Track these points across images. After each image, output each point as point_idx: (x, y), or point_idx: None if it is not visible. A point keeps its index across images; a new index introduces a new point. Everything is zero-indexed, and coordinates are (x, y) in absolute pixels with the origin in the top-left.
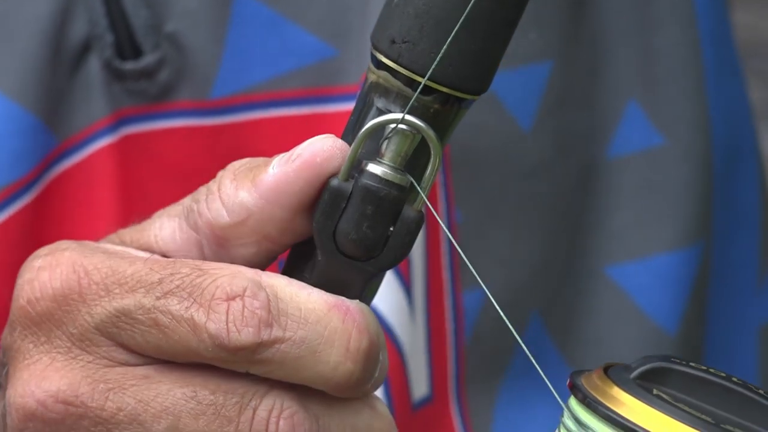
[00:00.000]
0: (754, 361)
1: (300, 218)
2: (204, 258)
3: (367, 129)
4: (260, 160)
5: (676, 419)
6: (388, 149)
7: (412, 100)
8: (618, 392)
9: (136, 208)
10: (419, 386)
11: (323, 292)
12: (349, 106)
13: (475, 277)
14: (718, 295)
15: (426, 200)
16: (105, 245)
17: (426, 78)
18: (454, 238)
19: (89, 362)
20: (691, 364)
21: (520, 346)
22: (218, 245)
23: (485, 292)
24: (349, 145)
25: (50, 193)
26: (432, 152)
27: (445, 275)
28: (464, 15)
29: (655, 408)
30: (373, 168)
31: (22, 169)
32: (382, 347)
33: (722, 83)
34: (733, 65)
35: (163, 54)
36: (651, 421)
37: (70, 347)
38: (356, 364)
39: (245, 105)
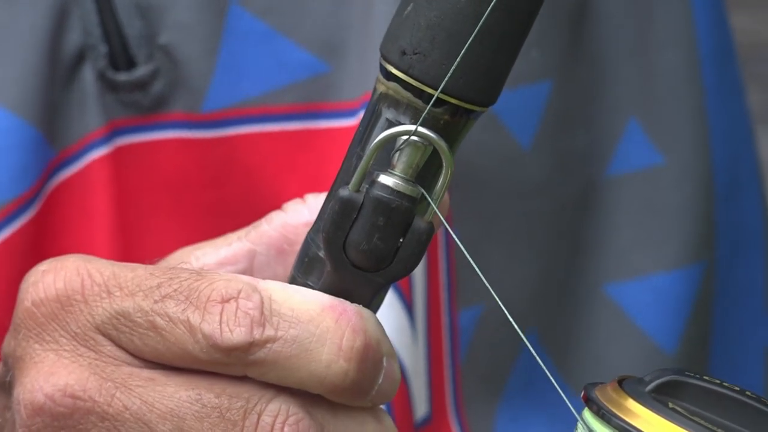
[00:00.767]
0: (761, 383)
1: None
2: (254, 268)
3: (379, 140)
4: None
5: None
6: (400, 161)
7: (425, 113)
8: (633, 405)
9: (130, 219)
10: (420, 406)
11: (321, 293)
12: (341, 122)
13: (471, 296)
14: (723, 316)
15: (437, 211)
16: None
17: (439, 90)
18: (450, 256)
19: (95, 360)
20: (705, 377)
21: (516, 366)
22: (279, 251)
23: (481, 310)
24: (359, 156)
25: (50, 205)
26: (444, 164)
27: (443, 294)
28: (478, 27)
29: (670, 421)
30: (385, 179)
31: (26, 183)
32: (387, 354)
33: (723, 103)
34: (734, 84)
35: (156, 66)
36: None
37: (76, 346)
38: (349, 363)
39: (237, 119)
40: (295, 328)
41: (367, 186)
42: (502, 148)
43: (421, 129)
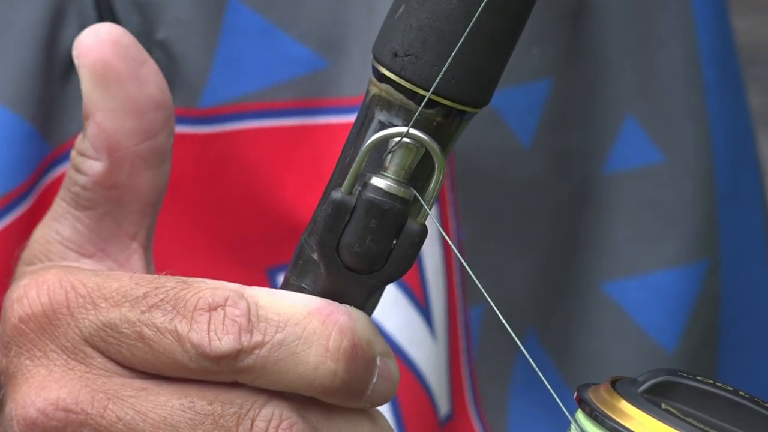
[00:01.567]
0: None
1: (149, 114)
2: (120, 221)
3: (371, 142)
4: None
5: None
6: (392, 162)
7: (417, 114)
8: (626, 406)
9: None
10: (443, 404)
11: (308, 297)
12: (339, 118)
13: (477, 294)
14: (731, 317)
15: (430, 213)
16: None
17: (431, 92)
18: (462, 254)
19: (86, 372)
20: (698, 378)
21: (517, 364)
22: (117, 200)
23: (484, 308)
24: (351, 158)
25: (44, 200)
26: (436, 166)
27: (458, 292)
28: (468, 28)
29: (663, 422)
30: (377, 181)
31: (19, 177)
32: (381, 354)
33: (723, 102)
34: (735, 84)
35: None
36: None
37: (66, 360)
38: (337, 363)
39: (235, 114)
40: (281, 332)
41: (359, 188)
42: (503, 145)
43: (413, 131)
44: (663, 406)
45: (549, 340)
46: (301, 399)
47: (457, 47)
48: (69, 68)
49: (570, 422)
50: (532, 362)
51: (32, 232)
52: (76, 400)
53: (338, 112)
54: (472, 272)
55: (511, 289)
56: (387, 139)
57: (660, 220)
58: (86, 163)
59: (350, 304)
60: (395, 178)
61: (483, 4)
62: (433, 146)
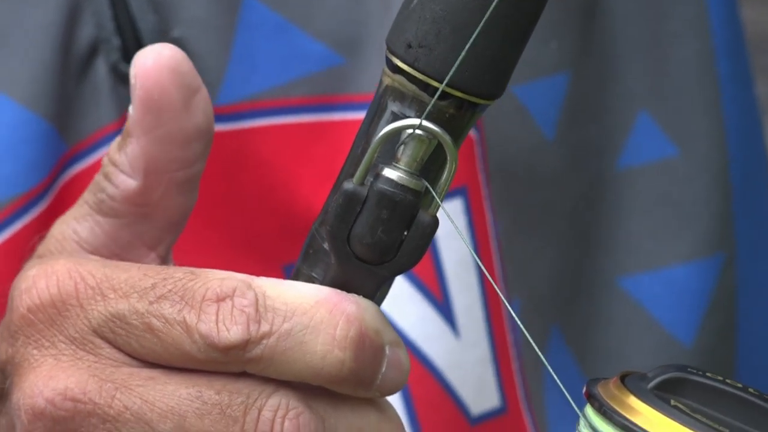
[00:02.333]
0: None
1: (193, 144)
2: (142, 233)
3: (384, 134)
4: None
5: (693, 430)
6: (404, 154)
7: (430, 106)
8: (635, 402)
9: None
10: (490, 397)
11: (316, 286)
12: (355, 114)
13: (517, 287)
14: (749, 310)
15: (441, 205)
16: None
17: (444, 83)
18: (500, 246)
19: (94, 362)
20: (708, 374)
21: (548, 357)
22: (143, 216)
23: (522, 301)
24: (363, 149)
25: (62, 199)
26: (448, 158)
27: (501, 285)
28: (483, 21)
29: (672, 419)
30: (389, 173)
31: (38, 176)
32: (390, 343)
33: (736, 95)
34: (745, 76)
35: None
36: None
37: (74, 350)
38: (344, 352)
39: (251, 112)
40: (288, 321)
41: (371, 179)
42: (531, 138)
43: (425, 123)
44: (672, 402)
45: (570, 335)
46: (308, 389)
47: (471, 40)
48: (85, 67)
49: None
50: (543, 358)
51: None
52: (84, 389)
53: (354, 108)
54: (510, 266)
55: (537, 283)
56: (399, 130)
57: (675, 214)
58: (119, 176)
59: (360, 295)
60: (407, 169)
61: None
62: (446, 138)
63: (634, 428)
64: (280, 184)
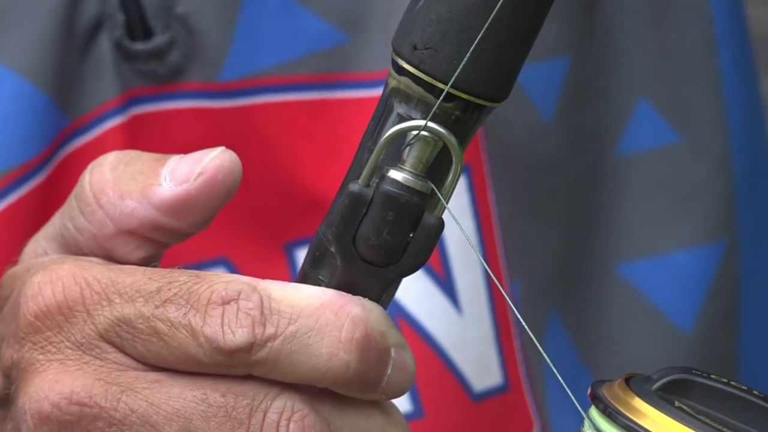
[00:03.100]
0: None
1: (196, 227)
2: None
3: (389, 135)
4: (137, 160)
5: None
6: (410, 156)
7: (435, 108)
8: (640, 403)
9: None
10: (492, 374)
11: (322, 289)
12: (358, 92)
13: (518, 267)
14: (751, 297)
15: (447, 207)
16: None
17: (449, 85)
18: (502, 229)
19: (100, 366)
20: (712, 376)
21: (547, 340)
22: (105, 255)
23: (522, 281)
24: (369, 150)
25: (61, 172)
26: (453, 160)
27: (503, 264)
28: (487, 23)
29: (677, 420)
30: (395, 174)
31: (35, 148)
32: (396, 345)
33: (739, 85)
34: (749, 68)
35: (173, 35)
36: None
37: (81, 355)
38: (350, 354)
39: (254, 89)
40: (294, 324)
41: (377, 181)
42: (528, 121)
43: (431, 124)
44: (676, 403)
45: (569, 320)
46: (313, 391)
47: (475, 42)
48: (88, 42)
49: (583, 419)
50: (541, 349)
51: (47, 203)
52: (90, 393)
53: (357, 86)
54: (510, 246)
55: (537, 267)
56: (405, 132)
57: (676, 200)
58: (96, 220)
59: (366, 297)
60: (413, 171)
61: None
62: (451, 140)
63: (639, 430)
64: (282, 161)
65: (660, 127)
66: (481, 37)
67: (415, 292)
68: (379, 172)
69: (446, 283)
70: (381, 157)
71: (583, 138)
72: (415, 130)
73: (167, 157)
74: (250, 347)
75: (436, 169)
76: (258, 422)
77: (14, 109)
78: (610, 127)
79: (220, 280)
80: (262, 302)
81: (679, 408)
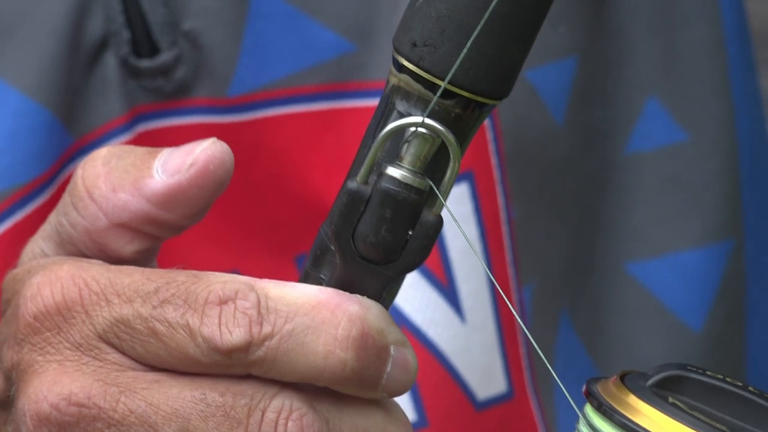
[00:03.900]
0: None
1: (189, 220)
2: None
3: (386, 132)
4: (130, 153)
5: (691, 428)
6: (408, 152)
7: (432, 104)
8: (634, 400)
9: None
10: (496, 382)
11: (319, 287)
12: (367, 101)
13: (529, 272)
14: (758, 295)
15: (445, 204)
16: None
17: (446, 82)
18: (512, 234)
19: (99, 367)
20: (708, 372)
21: (559, 343)
22: (99, 250)
23: (535, 287)
24: (369, 147)
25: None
26: (451, 157)
27: (510, 271)
28: (484, 19)
29: (670, 416)
30: (393, 171)
31: (40, 167)
32: (395, 342)
33: (745, 81)
34: (751, 66)
35: (179, 51)
36: (666, 430)
37: (80, 356)
38: (346, 352)
39: (263, 102)
40: (290, 323)
41: (375, 178)
42: (541, 123)
43: (428, 121)
44: (670, 400)
45: (579, 321)
46: (312, 390)
47: (472, 38)
48: (94, 60)
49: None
50: (540, 353)
51: None
52: (89, 394)
53: (367, 95)
54: (525, 250)
55: (550, 268)
56: (403, 128)
57: (684, 199)
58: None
59: (366, 295)
60: (411, 168)
61: None
62: (448, 136)
63: (633, 426)
64: (292, 173)
65: (669, 125)
66: (478, 34)
67: (417, 300)
68: (378, 169)
69: (449, 291)
70: (378, 153)
71: (592, 138)
72: (412, 126)
73: (159, 149)
74: (247, 347)
75: (437, 167)
76: (256, 421)
77: (19, 128)
78: (619, 126)
79: (218, 280)
80: (259, 301)
81: (673, 404)
